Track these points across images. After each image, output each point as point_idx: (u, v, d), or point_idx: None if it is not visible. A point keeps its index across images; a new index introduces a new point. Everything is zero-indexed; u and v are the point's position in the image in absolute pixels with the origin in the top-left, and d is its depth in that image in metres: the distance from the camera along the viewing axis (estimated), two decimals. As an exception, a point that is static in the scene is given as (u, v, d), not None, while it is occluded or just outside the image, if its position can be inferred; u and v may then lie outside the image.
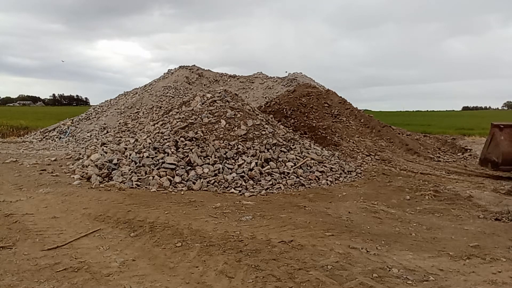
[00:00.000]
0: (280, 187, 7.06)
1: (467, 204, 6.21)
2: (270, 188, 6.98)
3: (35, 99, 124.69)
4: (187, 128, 8.39)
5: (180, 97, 17.32)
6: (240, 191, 6.71)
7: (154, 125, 9.36)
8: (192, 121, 8.62)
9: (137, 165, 7.31)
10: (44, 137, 16.04)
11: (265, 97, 18.93)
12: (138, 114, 16.53)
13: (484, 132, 18.07)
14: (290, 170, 7.71)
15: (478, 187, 7.59)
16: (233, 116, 8.83)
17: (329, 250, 3.99)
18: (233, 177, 7.08)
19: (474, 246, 4.22)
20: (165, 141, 7.97)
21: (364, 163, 10.02)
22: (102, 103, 19.21)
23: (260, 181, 7.18)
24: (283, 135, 9.17)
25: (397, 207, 5.95)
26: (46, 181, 7.16)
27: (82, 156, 9.64)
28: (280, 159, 7.98)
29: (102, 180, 7.07)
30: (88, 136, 15.09)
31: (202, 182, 6.89)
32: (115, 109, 17.37)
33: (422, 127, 23.30)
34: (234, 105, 9.38)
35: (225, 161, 7.54)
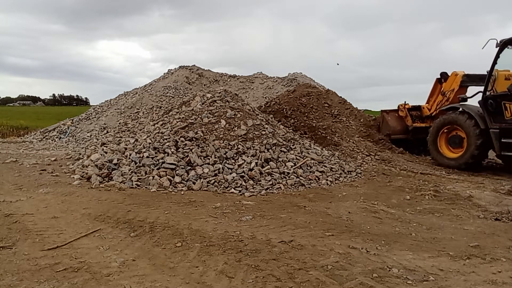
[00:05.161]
0: (280, 187, 7.05)
1: (467, 204, 6.20)
2: (270, 188, 6.98)
3: (35, 99, 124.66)
4: (187, 128, 8.39)
5: (180, 97, 17.29)
6: (240, 191, 6.70)
7: (154, 125, 9.35)
8: (192, 121, 8.62)
9: (137, 165, 7.31)
10: (44, 137, 16.01)
11: (265, 97, 18.88)
12: (138, 114, 16.51)
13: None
14: (290, 170, 7.71)
15: (478, 187, 7.59)
16: (233, 116, 8.83)
17: (329, 250, 3.99)
18: (233, 177, 7.08)
19: (474, 246, 4.22)
20: (165, 141, 7.96)
21: (364, 163, 10.01)
22: (102, 103, 19.17)
23: (260, 181, 7.18)
24: (283, 135, 9.17)
25: (397, 207, 5.95)
26: (46, 181, 7.15)
27: (82, 156, 9.63)
28: (280, 159, 7.98)
29: (102, 180, 7.07)
30: (88, 136, 15.06)
31: (202, 182, 6.89)
32: (115, 109, 17.35)
33: (422, 127, 23.22)
34: (234, 105, 9.37)
35: (225, 161, 7.53)
